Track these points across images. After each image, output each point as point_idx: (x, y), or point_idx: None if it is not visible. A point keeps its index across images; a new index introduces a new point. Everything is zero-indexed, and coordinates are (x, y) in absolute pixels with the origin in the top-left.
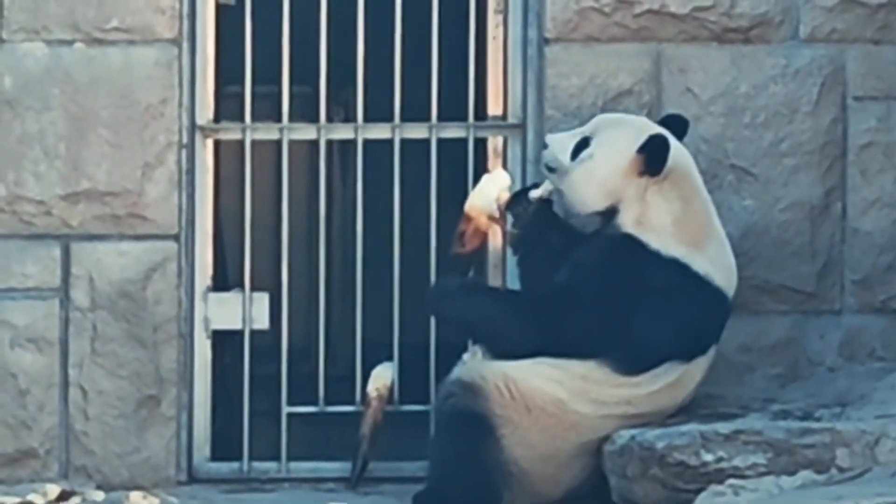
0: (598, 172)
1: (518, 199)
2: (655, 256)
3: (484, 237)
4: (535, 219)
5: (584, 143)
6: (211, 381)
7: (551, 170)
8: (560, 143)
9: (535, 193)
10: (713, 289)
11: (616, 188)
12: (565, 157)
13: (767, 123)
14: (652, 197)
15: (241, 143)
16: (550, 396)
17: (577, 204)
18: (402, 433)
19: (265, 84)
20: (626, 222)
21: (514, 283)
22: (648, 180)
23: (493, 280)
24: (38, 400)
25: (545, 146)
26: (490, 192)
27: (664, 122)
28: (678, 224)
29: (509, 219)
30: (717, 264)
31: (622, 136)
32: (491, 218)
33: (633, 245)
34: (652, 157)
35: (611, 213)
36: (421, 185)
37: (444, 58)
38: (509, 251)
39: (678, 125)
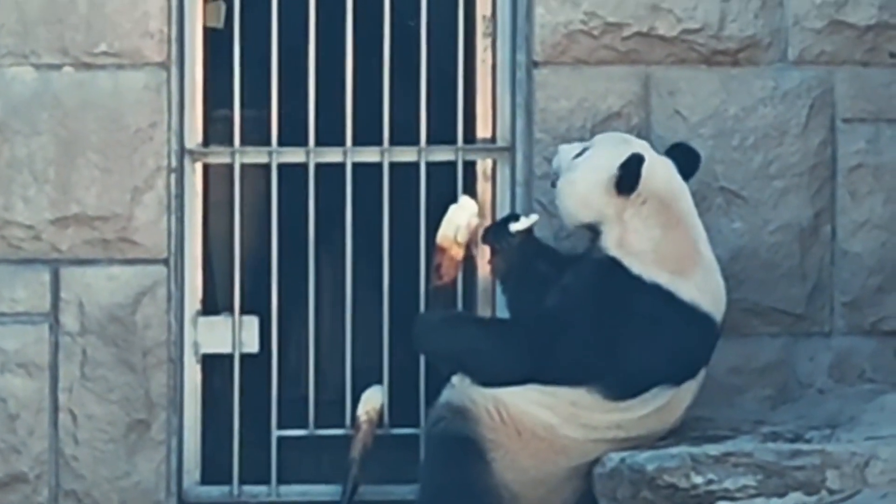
0: (579, 185)
1: (499, 232)
2: (638, 282)
3: (459, 267)
4: (520, 250)
5: (579, 156)
6: (201, 405)
7: (556, 175)
8: (565, 153)
9: (516, 226)
10: (700, 314)
11: (595, 204)
12: (566, 167)
13: (756, 146)
14: (630, 219)
15: (230, 166)
16: (540, 421)
17: (563, 214)
18: (392, 457)
19: (254, 108)
20: (609, 243)
21: (503, 311)
22: (626, 201)
23: (483, 308)
24: (27, 424)
25: (556, 153)
26: (459, 220)
27: (671, 152)
28: (659, 251)
29: (486, 249)
30: (703, 290)
31: (608, 152)
32: (463, 246)
33: (616, 269)
34: (624, 176)
35: (596, 230)
36: (410, 208)
37: (433, 81)
38: (494, 281)
39: (686, 157)
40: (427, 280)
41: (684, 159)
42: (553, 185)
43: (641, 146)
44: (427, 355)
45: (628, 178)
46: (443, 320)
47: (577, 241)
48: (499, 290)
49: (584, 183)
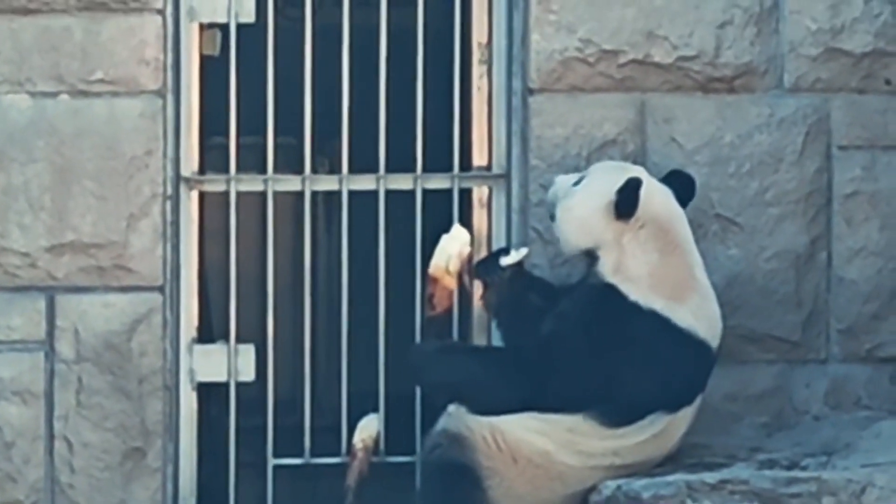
0: (577, 210)
1: (490, 266)
2: (635, 308)
3: (453, 296)
4: (511, 283)
5: (577, 184)
6: (196, 433)
7: (553, 206)
8: (561, 183)
9: (506, 260)
10: (696, 340)
11: (594, 229)
12: (563, 195)
13: (752, 173)
14: (628, 244)
15: (225, 194)
16: (537, 448)
17: (561, 241)
18: (388, 484)
19: (250, 135)
20: (606, 269)
21: (498, 342)
22: (624, 225)
23: (478, 337)
24: (23, 452)
25: (553, 184)
26: (451, 250)
27: (667, 178)
28: (655, 276)
29: (480, 284)
30: (699, 316)
31: (606, 177)
32: (456, 276)
33: (613, 296)
34: (623, 200)
35: (593, 256)
36: (406, 236)
37: (429, 108)
38: (484, 314)
39: (682, 183)
40: (422, 310)
41: (681, 186)
42: (551, 217)
43: (638, 172)
44: (422, 386)
45: (627, 201)
46: (437, 351)
47: (572, 269)
48: (493, 324)
49: (582, 209)
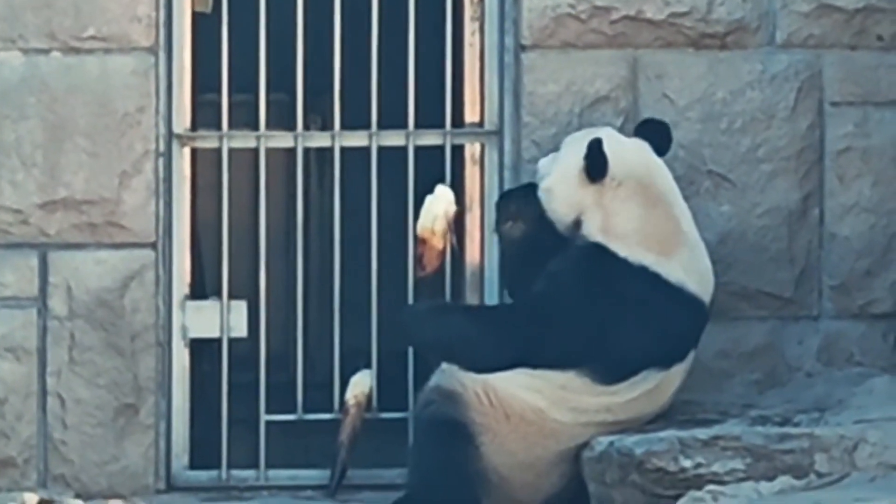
0: (556, 187)
1: (525, 196)
2: (624, 264)
3: (442, 256)
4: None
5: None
6: (189, 390)
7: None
8: (543, 166)
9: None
10: (687, 295)
11: (575, 199)
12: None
13: (744, 129)
14: (610, 203)
15: (218, 151)
16: (529, 404)
17: (554, 220)
18: (380, 440)
19: (242, 92)
20: (592, 231)
21: (491, 299)
22: (602, 187)
23: (471, 297)
24: (16, 409)
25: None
26: (436, 210)
27: (641, 129)
28: (642, 231)
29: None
30: (690, 271)
31: (574, 147)
32: (443, 235)
33: (602, 254)
34: (591, 163)
35: (578, 222)
36: (398, 193)
37: (421, 65)
38: (477, 271)
39: (656, 131)
40: (414, 267)
41: (655, 134)
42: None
43: (606, 133)
44: (415, 346)
45: (595, 163)
46: (429, 310)
47: None
48: (504, 259)
49: (559, 184)
